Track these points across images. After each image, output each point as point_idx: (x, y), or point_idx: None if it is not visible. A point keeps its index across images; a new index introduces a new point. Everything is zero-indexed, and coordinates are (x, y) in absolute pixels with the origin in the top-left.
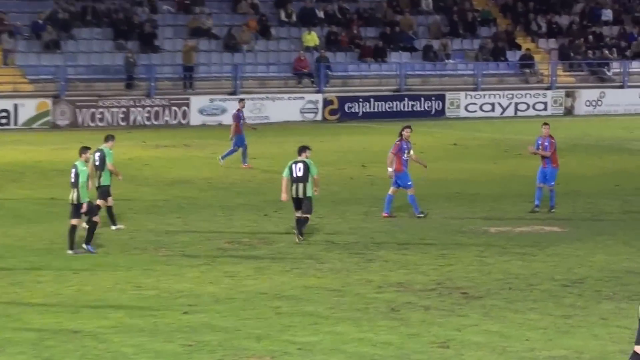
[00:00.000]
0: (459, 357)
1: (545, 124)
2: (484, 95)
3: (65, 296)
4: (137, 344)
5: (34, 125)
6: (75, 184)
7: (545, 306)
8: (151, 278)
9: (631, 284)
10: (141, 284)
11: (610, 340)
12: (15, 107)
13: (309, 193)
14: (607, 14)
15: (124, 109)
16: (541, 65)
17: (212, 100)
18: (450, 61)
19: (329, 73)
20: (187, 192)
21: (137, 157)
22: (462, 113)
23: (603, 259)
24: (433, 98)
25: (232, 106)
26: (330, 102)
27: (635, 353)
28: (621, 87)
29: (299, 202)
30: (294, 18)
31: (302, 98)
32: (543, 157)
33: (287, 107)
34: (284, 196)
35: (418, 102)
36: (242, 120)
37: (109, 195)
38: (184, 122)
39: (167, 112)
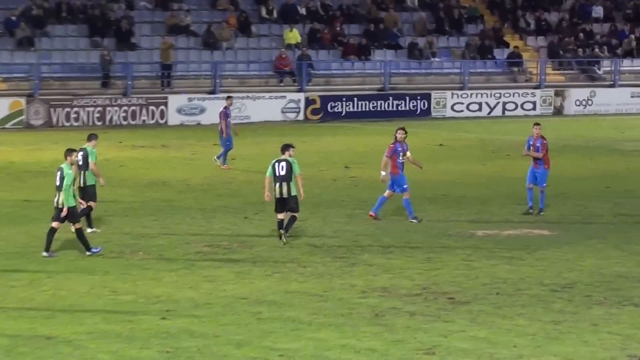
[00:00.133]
0: None
1: (537, 124)
2: (471, 94)
3: (39, 301)
4: (114, 350)
5: (7, 125)
6: (60, 187)
7: (533, 312)
8: (128, 282)
9: (622, 289)
10: (117, 288)
11: (601, 346)
12: None
13: (294, 192)
14: (598, 11)
15: (99, 109)
16: (530, 63)
17: (190, 100)
18: (436, 59)
19: (311, 71)
20: (164, 194)
21: (114, 158)
22: (449, 113)
23: (593, 263)
24: (418, 97)
25: (212, 105)
26: (313, 102)
27: None
28: (612, 86)
29: (284, 203)
30: (275, 15)
31: (284, 97)
32: (535, 158)
33: (268, 106)
34: (267, 195)
35: (403, 102)
36: (229, 119)
37: (96, 196)
38: (161, 121)
39: (144, 111)
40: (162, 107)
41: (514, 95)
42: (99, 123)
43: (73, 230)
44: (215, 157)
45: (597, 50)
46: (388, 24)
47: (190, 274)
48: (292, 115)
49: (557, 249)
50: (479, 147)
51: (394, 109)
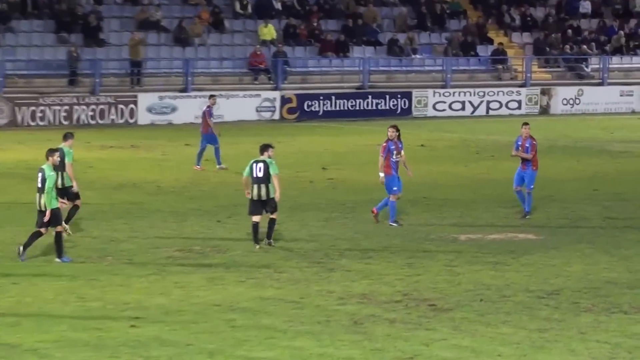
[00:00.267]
0: None
1: (526, 123)
2: (454, 92)
3: (3, 308)
4: (81, 359)
5: None
6: (42, 189)
7: (519, 319)
8: (96, 289)
9: (611, 296)
10: (85, 294)
11: (588, 355)
12: None
13: (272, 194)
14: (586, 6)
15: (66, 107)
16: (515, 60)
17: (161, 98)
18: (417, 56)
19: (287, 69)
20: (134, 197)
21: (81, 158)
22: (430, 112)
23: (581, 268)
24: (399, 96)
25: (183, 104)
26: (289, 100)
27: None
28: (600, 84)
29: (262, 205)
30: (250, 10)
31: (259, 96)
32: (523, 159)
33: (242, 105)
34: (247, 193)
35: (383, 100)
36: (212, 118)
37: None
38: (131, 121)
39: (113, 110)
40: (132, 105)
41: (498, 94)
42: (66, 122)
43: (53, 233)
44: (217, 166)
45: (584, 47)
46: (367, 19)
47: (161, 279)
48: (267, 115)
49: (543, 254)
50: (462, 147)
51: (374, 108)
